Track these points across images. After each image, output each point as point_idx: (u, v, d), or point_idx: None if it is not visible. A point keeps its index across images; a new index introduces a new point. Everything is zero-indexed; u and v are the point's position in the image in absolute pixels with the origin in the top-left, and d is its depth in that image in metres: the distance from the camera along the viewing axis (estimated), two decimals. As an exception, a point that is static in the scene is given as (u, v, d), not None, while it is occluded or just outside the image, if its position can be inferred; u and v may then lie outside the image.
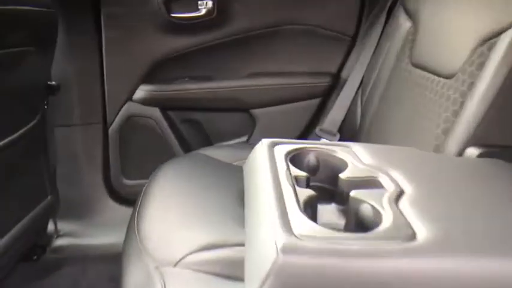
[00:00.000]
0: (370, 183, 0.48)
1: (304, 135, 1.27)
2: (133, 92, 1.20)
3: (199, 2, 1.16)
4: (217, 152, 1.02)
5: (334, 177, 0.52)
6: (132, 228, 0.77)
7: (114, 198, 1.27)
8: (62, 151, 1.16)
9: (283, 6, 1.21)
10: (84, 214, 1.25)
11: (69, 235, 1.24)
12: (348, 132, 1.11)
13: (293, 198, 0.43)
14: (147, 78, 1.21)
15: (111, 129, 1.22)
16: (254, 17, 1.20)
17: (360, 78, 1.12)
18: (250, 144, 1.23)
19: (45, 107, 1.04)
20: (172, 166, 0.94)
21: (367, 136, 0.98)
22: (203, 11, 1.16)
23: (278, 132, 1.26)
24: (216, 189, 0.80)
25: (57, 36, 0.99)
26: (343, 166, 0.53)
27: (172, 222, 0.71)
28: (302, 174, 0.50)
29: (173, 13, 1.15)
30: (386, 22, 1.10)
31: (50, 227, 1.23)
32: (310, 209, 0.44)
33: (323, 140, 1.14)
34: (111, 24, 1.15)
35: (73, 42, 1.13)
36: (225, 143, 1.29)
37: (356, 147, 0.58)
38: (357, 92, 1.13)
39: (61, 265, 1.18)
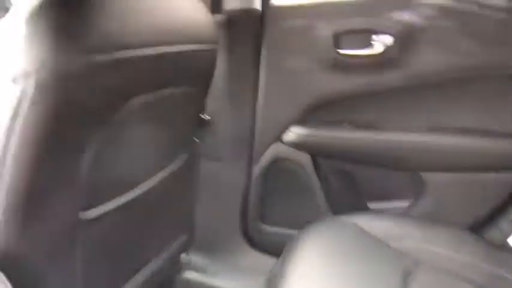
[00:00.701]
0: None
1: (494, 217, 0.95)
2: (283, 133, 1.09)
3: (373, 37, 0.97)
4: (371, 223, 0.83)
5: None
6: None
7: (248, 241, 1.18)
8: (202, 185, 1.11)
9: (487, 44, 0.93)
10: (218, 252, 1.19)
11: (201, 270, 1.19)
12: None
13: None
14: (301, 120, 1.07)
15: (255, 168, 1.13)
16: (444, 57, 0.94)
17: None
18: (415, 220, 0.98)
19: (196, 140, 1.00)
20: (316, 236, 0.79)
21: None
22: (379, 48, 0.96)
23: (456, 206, 0.98)
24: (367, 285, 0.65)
25: (215, 71, 0.93)
26: None
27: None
28: None
29: (342, 49, 0.99)
30: None
31: (183, 256, 1.20)
32: None
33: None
34: (272, 58, 1.05)
35: (230, 76, 1.07)
36: (380, 206, 1.06)
37: None
38: None
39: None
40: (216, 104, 1.06)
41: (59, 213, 0.60)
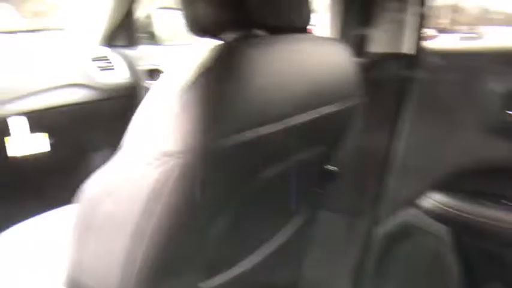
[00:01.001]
0: None
1: None
2: (419, 197, 0.92)
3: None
4: None
5: None
6: None
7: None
8: (317, 238, 1.01)
9: None
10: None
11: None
12: None
13: None
14: (444, 186, 0.90)
15: (379, 230, 0.98)
16: None
17: None
18: None
19: (320, 191, 0.91)
20: None
21: None
22: None
23: None
24: None
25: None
26: None
27: None
28: None
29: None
30: None
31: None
32: None
33: None
34: (418, 110, 0.90)
35: (366, 125, 0.94)
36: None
37: None
38: None
39: None
40: (346, 154, 0.95)
41: (183, 284, 0.60)
